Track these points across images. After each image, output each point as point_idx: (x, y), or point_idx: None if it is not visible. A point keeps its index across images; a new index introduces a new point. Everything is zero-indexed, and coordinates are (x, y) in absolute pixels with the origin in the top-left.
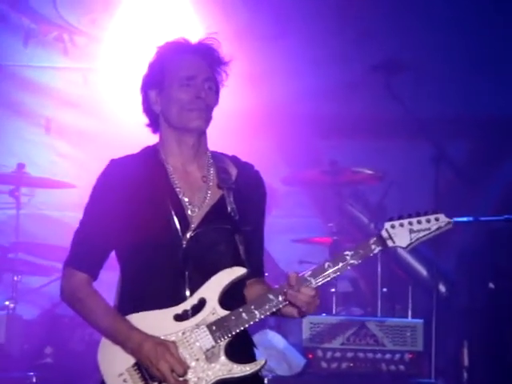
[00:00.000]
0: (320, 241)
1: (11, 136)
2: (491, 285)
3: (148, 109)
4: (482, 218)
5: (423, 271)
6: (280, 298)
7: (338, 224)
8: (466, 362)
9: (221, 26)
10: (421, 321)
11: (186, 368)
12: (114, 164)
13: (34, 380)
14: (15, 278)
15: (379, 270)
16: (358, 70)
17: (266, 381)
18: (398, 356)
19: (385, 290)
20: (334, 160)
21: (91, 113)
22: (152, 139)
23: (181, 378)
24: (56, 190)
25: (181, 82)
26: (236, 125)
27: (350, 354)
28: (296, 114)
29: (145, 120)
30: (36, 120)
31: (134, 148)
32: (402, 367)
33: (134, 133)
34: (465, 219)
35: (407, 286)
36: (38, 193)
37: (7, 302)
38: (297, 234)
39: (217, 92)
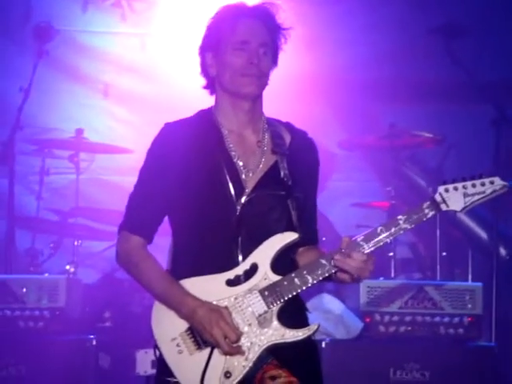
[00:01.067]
0: (378, 205)
1: (69, 101)
2: None
3: (205, 71)
4: None
5: (483, 234)
6: (333, 263)
7: (395, 188)
8: None
9: None
10: (480, 284)
11: (239, 335)
12: (168, 128)
13: (94, 343)
14: (75, 243)
15: (438, 234)
16: (416, 34)
17: (323, 344)
18: (456, 319)
19: (444, 254)
20: (392, 123)
21: (149, 78)
22: (209, 104)
23: (234, 344)
24: (115, 155)
25: (234, 46)
26: (293, 89)
27: (408, 318)
28: (353, 79)
29: (202, 83)
30: (94, 85)
31: (190, 113)
32: (460, 331)
33: (191, 97)
34: None
35: (467, 250)
36: (97, 158)
37: (68, 267)
38: (355, 197)
39: (274, 57)
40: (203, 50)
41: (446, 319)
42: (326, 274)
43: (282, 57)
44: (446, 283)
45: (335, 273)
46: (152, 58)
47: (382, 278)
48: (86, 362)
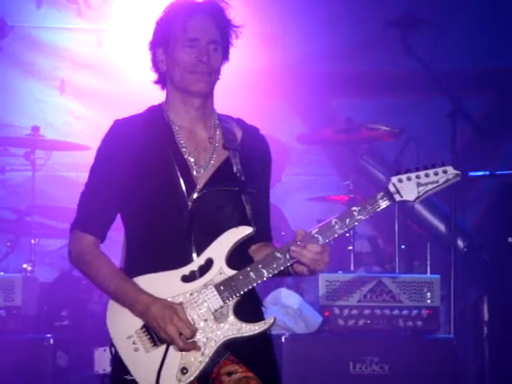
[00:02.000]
0: (337, 199)
1: (26, 97)
2: (510, 239)
3: (155, 66)
4: (499, 172)
5: (441, 227)
6: (288, 256)
7: (354, 181)
8: (485, 317)
9: None
10: (438, 276)
11: (193, 330)
12: (117, 125)
13: (52, 341)
14: (32, 241)
15: (397, 227)
16: (373, 26)
17: (283, 339)
18: (415, 312)
19: (403, 247)
20: (350, 117)
21: (105, 74)
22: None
23: (189, 340)
24: (71, 151)
25: (184, 43)
26: (251, 84)
27: (366, 311)
28: (310, 73)
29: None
30: (50, 81)
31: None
32: (419, 323)
33: (148, 93)
34: (482, 173)
35: (425, 243)
36: (53, 155)
37: (25, 265)
38: (313, 192)
39: (225, 52)
40: (153, 45)
41: (405, 312)
42: (282, 267)
43: (239, 51)
44: (405, 276)
45: (291, 265)
46: (108, 53)
47: (340, 272)
48: (44, 360)
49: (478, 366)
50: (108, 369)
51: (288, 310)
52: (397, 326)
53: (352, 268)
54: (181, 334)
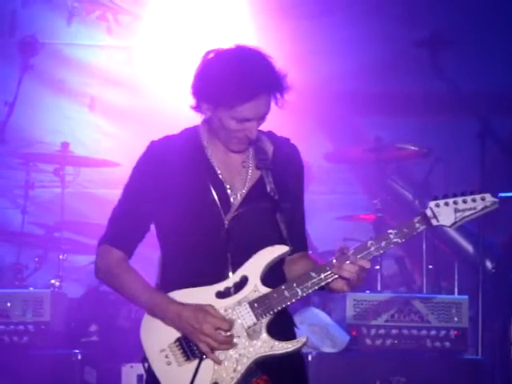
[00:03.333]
0: (364, 218)
1: (55, 115)
2: None
3: (197, 107)
4: None
5: (469, 247)
6: (322, 276)
7: (382, 201)
8: None
9: (264, 3)
10: (466, 297)
11: (230, 323)
12: (154, 146)
13: (80, 357)
14: (61, 257)
15: (424, 247)
16: (400, 47)
17: (309, 357)
18: (443, 333)
19: (430, 267)
20: (378, 136)
21: (135, 91)
22: (194, 117)
23: (228, 333)
24: (100, 168)
25: (237, 118)
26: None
27: (394, 331)
28: (339, 92)
29: (186, 99)
30: (80, 98)
31: (176, 127)
32: (447, 344)
33: (177, 111)
34: (511, 194)
35: (453, 263)
36: (82, 171)
37: (53, 281)
38: (340, 211)
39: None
40: (201, 96)
41: (433, 332)
42: (316, 287)
43: None
44: (433, 296)
45: (328, 284)
46: (137, 71)
47: (368, 292)
48: (72, 376)
49: None
50: None
51: (315, 329)
52: (424, 347)
53: (379, 288)
54: (218, 329)
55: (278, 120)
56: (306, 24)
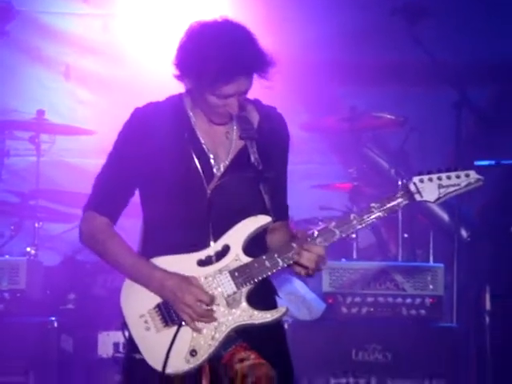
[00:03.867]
0: (340, 186)
1: (31, 83)
2: None
3: (179, 77)
4: (504, 162)
5: (444, 216)
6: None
7: (357, 169)
8: (488, 306)
9: None
10: (441, 265)
11: (212, 297)
12: (138, 112)
13: (56, 325)
14: (36, 225)
15: (400, 216)
16: (379, 14)
17: (286, 326)
18: (418, 300)
19: (406, 235)
20: (354, 105)
21: (111, 59)
22: (170, 86)
23: (208, 307)
24: (76, 136)
25: (218, 95)
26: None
27: (370, 299)
28: (315, 61)
29: (163, 68)
30: (56, 67)
31: (154, 94)
32: (422, 311)
33: (153, 79)
34: (487, 163)
35: (428, 232)
36: (58, 140)
37: (29, 249)
38: (316, 180)
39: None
40: (183, 70)
41: (408, 300)
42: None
43: None
44: (408, 264)
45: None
46: (114, 39)
47: (344, 260)
48: (48, 344)
49: (480, 355)
50: (110, 353)
51: (291, 297)
52: (400, 314)
53: (355, 256)
54: (199, 301)
55: (253, 89)
56: None
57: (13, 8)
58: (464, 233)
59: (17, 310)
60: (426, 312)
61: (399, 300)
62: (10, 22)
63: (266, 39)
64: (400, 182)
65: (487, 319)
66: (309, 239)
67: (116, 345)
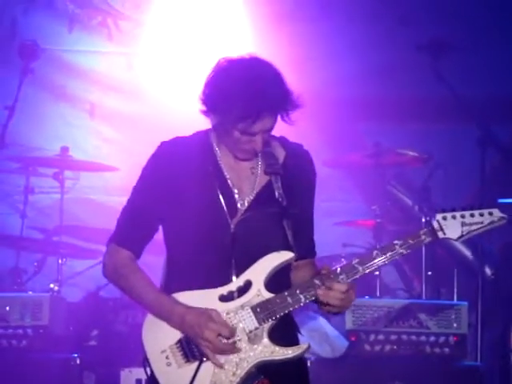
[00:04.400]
0: (363, 223)
1: (55, 121)
2: None
3: (205, 113)
4: None
5: (468, 254)
6: (326, 284)
7: (381, 206)
8: None
9: (263, 8)
10: (465, 303)
11: (232, 330)
12: (165, 146)
13: (78, 361)
14: (60, 261)
15: (423, 253)
16: (403, 51)
17: (308, 363)
18: (442, 339)
19: (430, 273)
20: (378, 142)
21: (135, 97)
22: (193, 124)
23: (230, 341)
24: (100, 173)
25: (244, 131)
26: None
27: (393, 337)
28: (339, 98)
29: (186, 105)
30: (80, 105)
31: (177, 132)
32: (446, 350)
33: (177, 116)
34: (511, 200)
35: (452, 269)
36: (82, 177)
37: (52, 285)
38: (340, 217)
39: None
40: (207, 105)
41: (432, 338)
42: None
43: None
44: (432, 302)
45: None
46: (138, 77)
47: (367, 297)
48: (71, 380)
49: None
50: None
51: (314, 334)
52: (423, 353)
53: (378, 294)
54: (219, 335)
55: (277, 126)
56: (304, 28)
57: (38, 46)
58: (488, 270)
59: (40, 346)
60: (450, 350)
61: (423, 338)
62: (35, 60)
63: (290, 77)
64: (424, 220)
65: None
66: (332, 276)
67: (139, 381)
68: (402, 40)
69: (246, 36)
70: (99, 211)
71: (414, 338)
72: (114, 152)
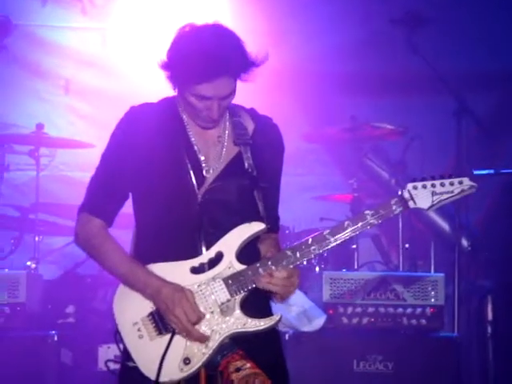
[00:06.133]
0: (341, 198)
1: (29, 97)
2: None
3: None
4: (504, 171)
5: (445, 226)
6: (298, 255)
7: (358, 180)
8: (490, 316)
9: None
10: (442, 275)
11: (200, 316)
12: (133, 112)
13: (56, 338)
14: (36, 239)
15: (401, 226)
16: (378, 26)
17: (286, 337)
18: (419, 310)
19: (407, 245)
20: (354, 115)
21: (110, 73)
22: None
23: (195, 326)
24: (76, 150)
25: (195, 95)
26: (257, 82)
27: (370, 309)
28: (317, 72)
29: (161, 82)
30: (55, 81)
31: None
32: (423, 321)
33: (152, 91)
34: (486, 172)
35: (429, 242)
36: (58, 154)
37: (29, 263)
38: (317, 191)
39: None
40: (164, 70)
41: (409, 310)
42: (291, 266)
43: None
44: (409, 274)
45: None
46: (113, 52)
47: (344, 270)
48: (48, 357)
49: (482, 365)
50: (112, 366)
51: (292, 308)
52: (401, 325)
53: (356, 266)
54: (187, 316)
55: (254, 99)
56: (281, 3)
57: (10, 22)
58: (465, 242)
59: (17, 324)
60: (427, 322)
61: (400, 310)
62: (7, 36)
63: (269, 51)
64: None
65: (489, 329)
66: (303, 246)
67: (117, 358)
68: (377, 14)
69: (223, 10)
70: (75, 188)
71: (391, 310)
72: (89, 128)
